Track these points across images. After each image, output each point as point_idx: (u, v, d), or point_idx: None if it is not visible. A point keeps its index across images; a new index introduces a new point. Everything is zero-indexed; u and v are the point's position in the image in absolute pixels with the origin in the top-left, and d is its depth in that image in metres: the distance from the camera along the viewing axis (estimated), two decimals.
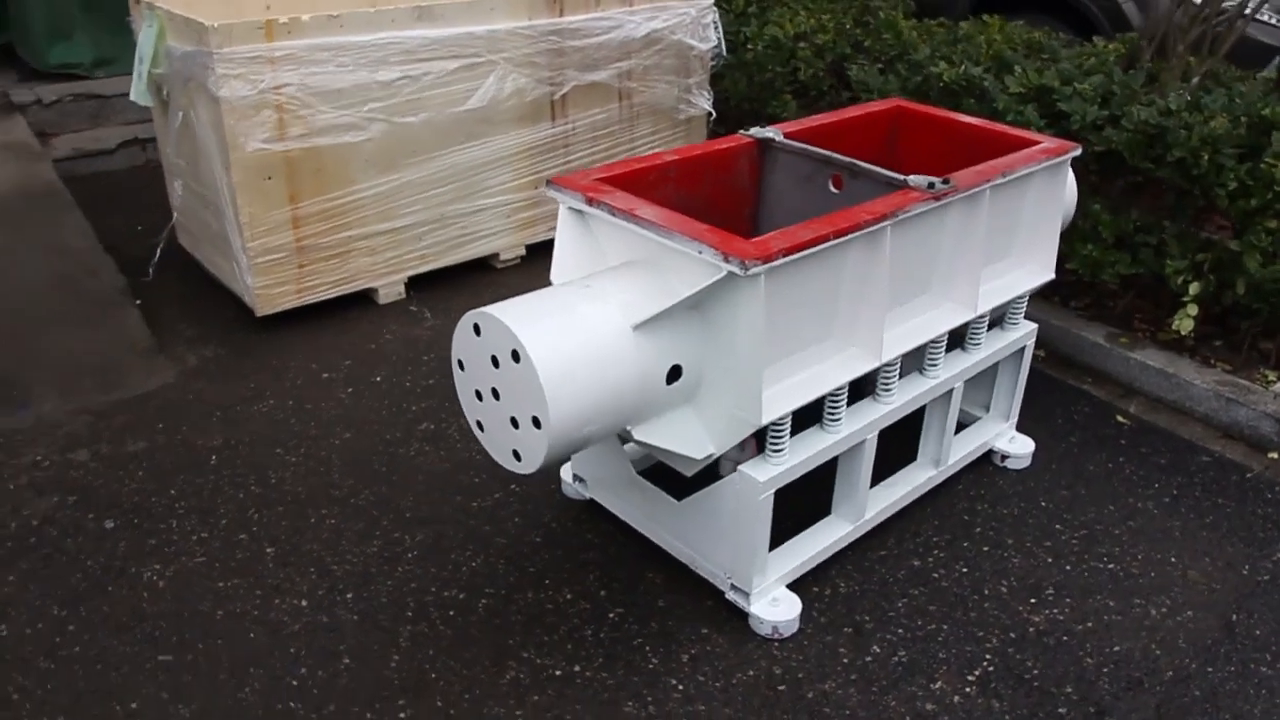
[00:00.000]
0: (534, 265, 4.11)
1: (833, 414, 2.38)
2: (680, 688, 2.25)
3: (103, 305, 3.55)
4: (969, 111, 3.65)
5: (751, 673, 2.29)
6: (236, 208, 3.34)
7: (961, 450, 2.91)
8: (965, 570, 2.61)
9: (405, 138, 3.60)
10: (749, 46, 4.38)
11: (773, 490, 2.27)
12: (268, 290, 3.51)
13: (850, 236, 2.15)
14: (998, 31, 4.04)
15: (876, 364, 2.36)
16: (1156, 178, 3.31)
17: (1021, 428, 3.11)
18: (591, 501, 2.75)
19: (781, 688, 2.26)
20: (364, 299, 3.81)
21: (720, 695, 2.23)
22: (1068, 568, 2.64)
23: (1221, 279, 3.26)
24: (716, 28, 4.25)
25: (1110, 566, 2.65)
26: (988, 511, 2.83)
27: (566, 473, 2.79)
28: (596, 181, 2.33)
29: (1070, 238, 3.45)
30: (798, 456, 2.31)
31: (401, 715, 2.16)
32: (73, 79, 5.01)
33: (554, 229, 2.36)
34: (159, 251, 3.86)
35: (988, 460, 3.03)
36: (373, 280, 3.76)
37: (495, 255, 4.07)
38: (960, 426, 3.02)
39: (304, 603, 2.45)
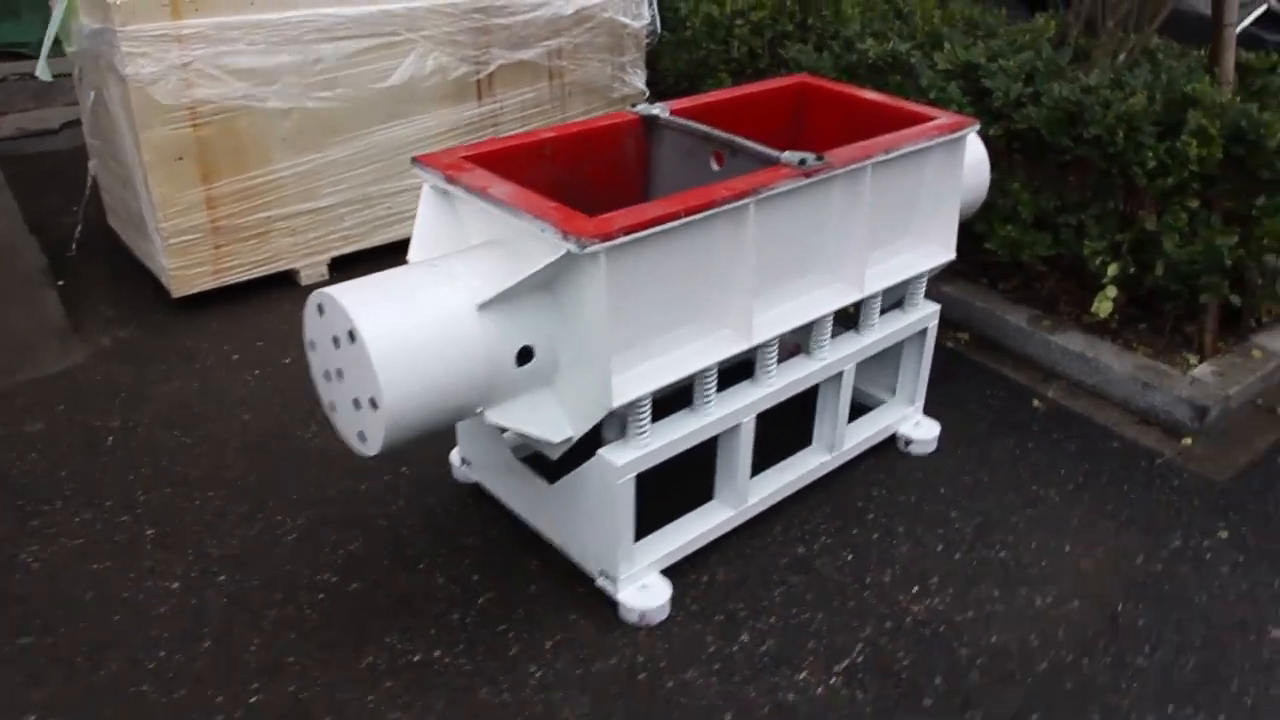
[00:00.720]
0: None
1: (703, 396, 2.34)
2: (538, 674, 2.22)
3: (22, 285, 3.55)
4: (894, 89, 3.58)
5: (613, 660, 2.26)
6: (149, 188, 3.32)
7: (861, 435, 2.86)
8: (850, 558, 2.57)
9: (324, 116, 3.57)
10: (687, 24, 4.31)
11: (633, 474, 2.23)
12: (183, 271, 3.50)
13: (706, 214, 2.10)
14: (936, 7, 3.96)
15: (746, 346, 2.32)
16: (1081, 157, 3.23)
17: (932, 412, 3.06)
18: (478, 485, 2.73)
19: (641, 676, 2.22)
20: (287, 280, 3.79)
21: (578, 683, 2.20)
22: (957, 556, 2.59)
23: (1141, 260, 3.19)
24: (651, 5, 4.19)
25: (1001, 555, 2.60)
26: (883, 498, 2.78)
27: (456, 456, 2.77)
28: (461, 159, 2.29)
29: (989, 217, 3.39)
30: (662, 440, 2.27)
31: (252, 699, 2.15)
32: (19, 58, 5.00)
33: None
34: (78, 231, 3.86)
35: (892, 445, 2.98)
36: (294, 261, 3.74)
37: None
38: (865, 410, 2.97)
39: (175, 585, 2.44)
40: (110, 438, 2.95)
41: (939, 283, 3.64)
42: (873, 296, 2.64)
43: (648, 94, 4.35)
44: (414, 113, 3.77)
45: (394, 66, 3.62)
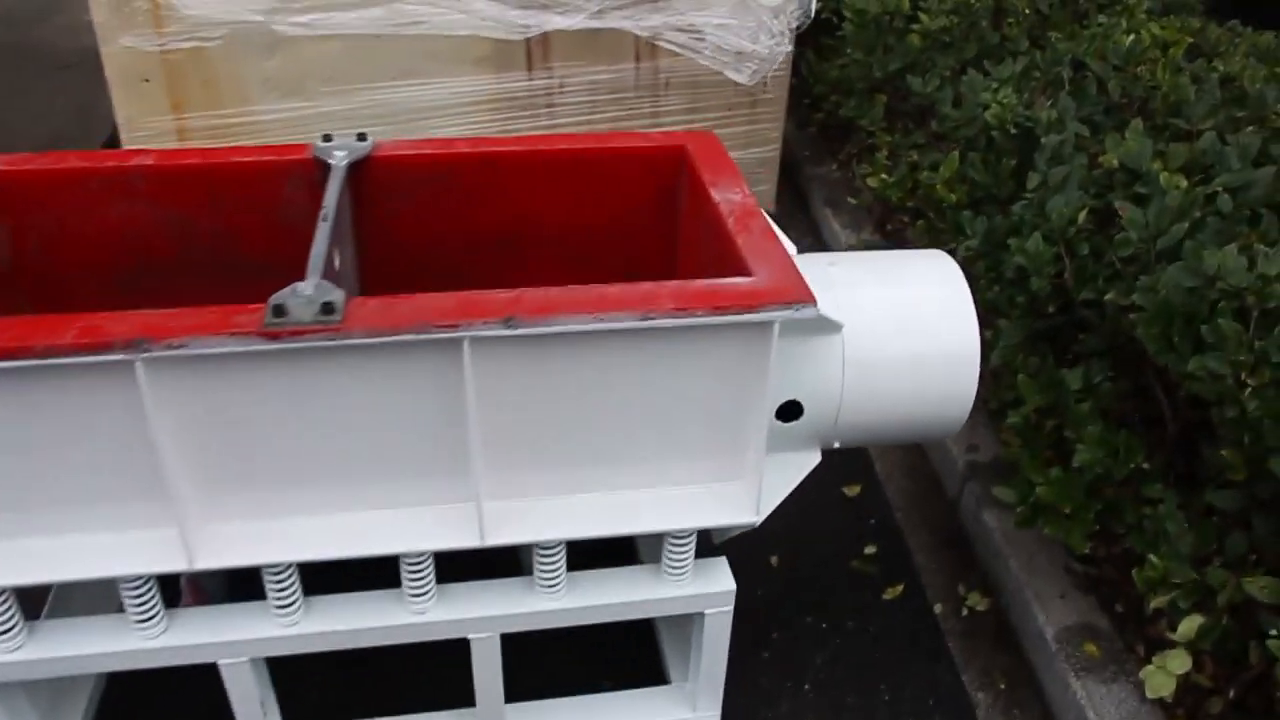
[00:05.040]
0: None
1: (137, 611, 1.52)
2: None
3: None
4: (1009, 177, 2.17)
5: None
6: (113, 105, 3.06)
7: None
8: None
9: (315, 61, 3.00)
10: (839, 19, 3.03)
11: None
12: None
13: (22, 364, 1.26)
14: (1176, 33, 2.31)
15: (184, 567, 1.45)
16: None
17: None
18: None
19: None
20: None
21: None
22: None
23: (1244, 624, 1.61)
24: None
25: None
26: None
27: None
28: None
29: (1034, 445, 1.92)
30: (48, 651, 1.52)
31: None
32: None
33: None
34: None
35: None
36: None
37: None
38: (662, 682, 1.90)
39: None
40: None
41: (985, 507, 2.22)
42: (550, 551, 1.56)
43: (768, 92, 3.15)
44: (436, 73, 3.07)
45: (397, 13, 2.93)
